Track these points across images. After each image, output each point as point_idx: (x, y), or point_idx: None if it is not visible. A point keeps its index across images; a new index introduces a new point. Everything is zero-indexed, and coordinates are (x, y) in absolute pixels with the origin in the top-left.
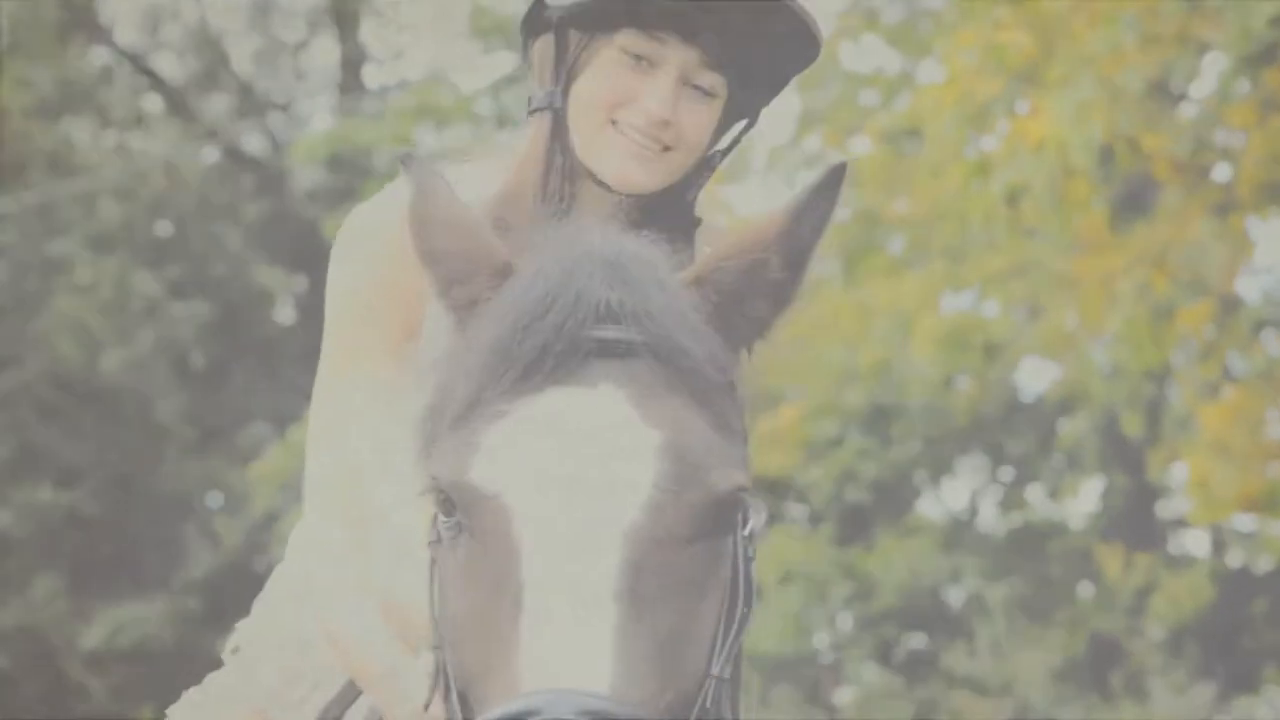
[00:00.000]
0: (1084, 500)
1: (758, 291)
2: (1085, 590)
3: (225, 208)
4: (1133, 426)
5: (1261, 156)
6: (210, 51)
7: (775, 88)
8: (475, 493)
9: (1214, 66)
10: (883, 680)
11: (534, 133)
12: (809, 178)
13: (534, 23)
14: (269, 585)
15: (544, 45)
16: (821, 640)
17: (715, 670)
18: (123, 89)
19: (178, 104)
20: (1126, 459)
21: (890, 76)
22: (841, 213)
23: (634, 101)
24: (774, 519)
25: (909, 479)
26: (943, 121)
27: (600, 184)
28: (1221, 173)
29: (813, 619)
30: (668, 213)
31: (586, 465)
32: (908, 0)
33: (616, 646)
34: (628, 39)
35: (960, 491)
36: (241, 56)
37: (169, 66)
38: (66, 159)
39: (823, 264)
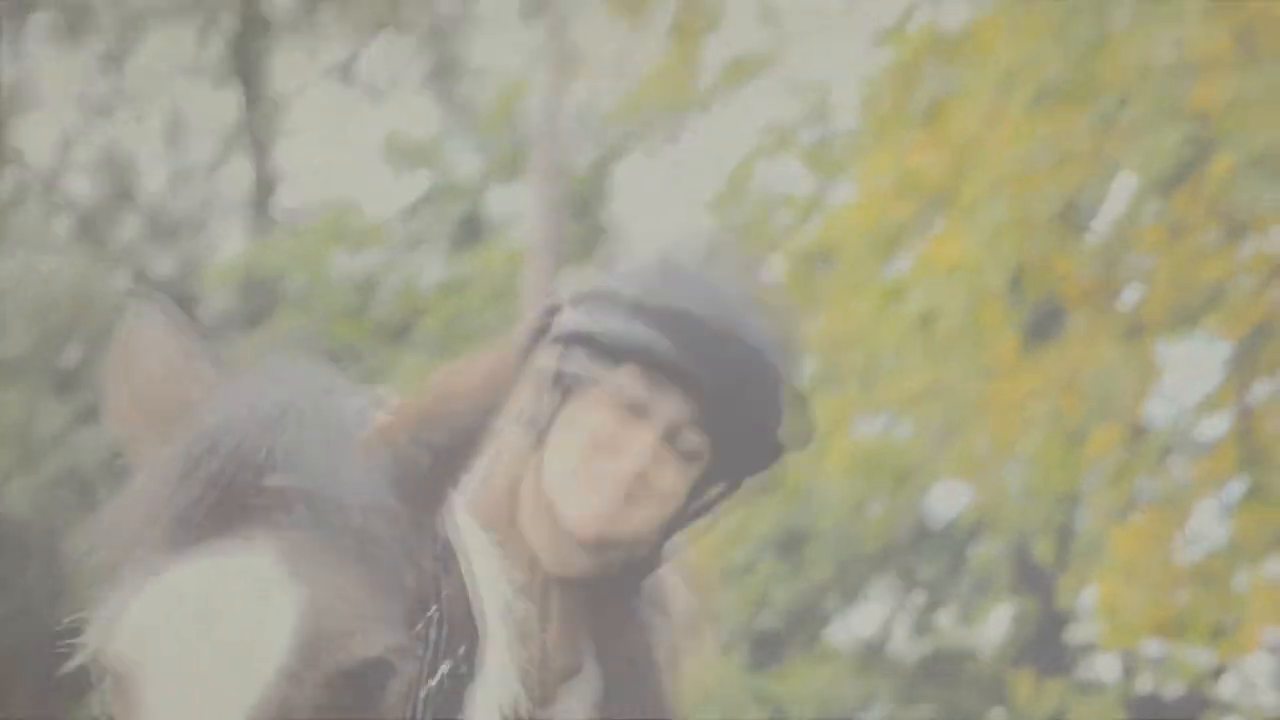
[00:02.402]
0: (995, 626)
1: (476, 430)
2: (997, 717)
3: None
4: (1044, 552)
5: (1170, 280)
6: (122, 173)
7: (762, 464)
8: (117, 657)
9: (1123, 189)
10: None
11: (517, 446)
12: None
13: (545, 330)
14: None
15: (547, 356)
16: None
17: None
18: (33, 211)
19: (88, 226)
20: (1037, 584)
21: (804, 197)
22: None
23: (614, 450)
24: None
25: (820, 604)
26: (856, 244)
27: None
28: (1130, 296)
29: None
30: (628, 576)
31: (225, 633)
32: (822, 121)
33: None
34: (628, 377)
35: (872, 616)
36: (154, 177)
37: (80, 188)
38: None
39: None
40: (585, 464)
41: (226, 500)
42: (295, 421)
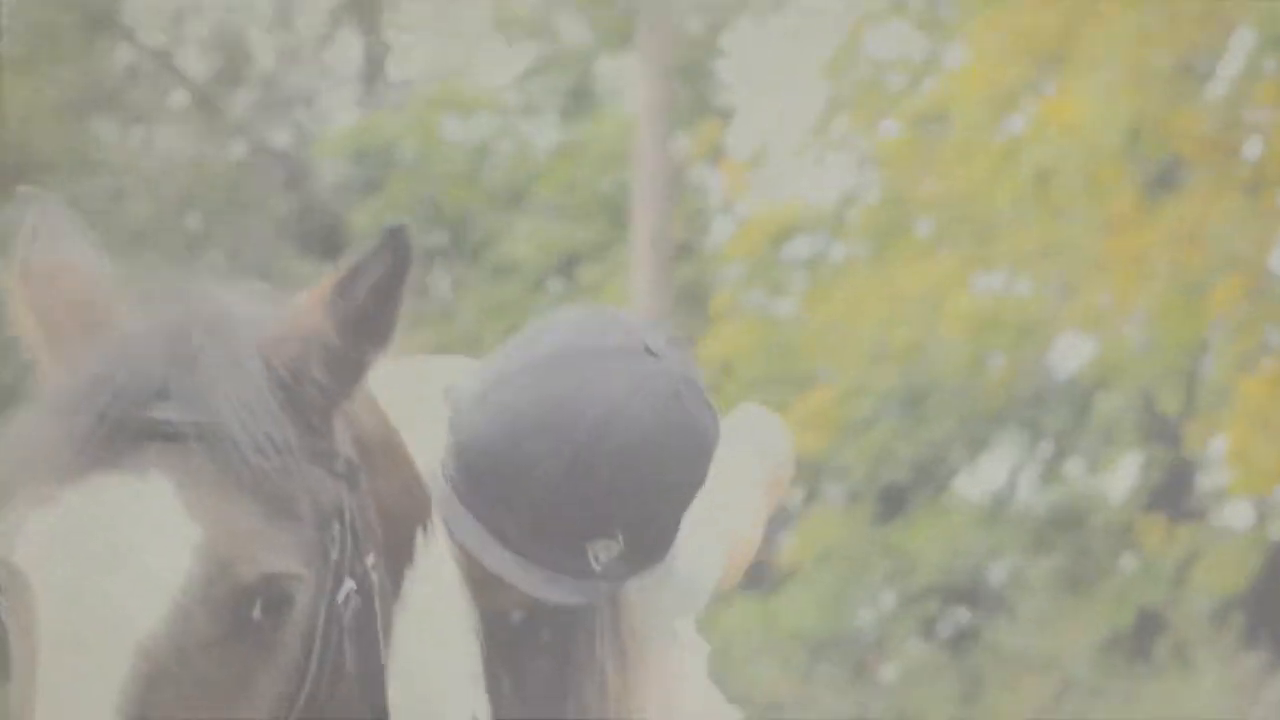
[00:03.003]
0: (1123, 474)
1: (317, 360)
2: (1127, 563)
3: (253, 202)
4: (1170, 403)
5: None
6: (233, 48)
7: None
8: (14, 579)
9: (1241, 45)
10: (927, 656)
11: None
12: (837, 160)
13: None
14: None
15: None
16: (863, 618)
17: None
18: (148, 86)
19: (203, 100)
20: (1164, 433)
21: (916, 61)
22: (870, 195)
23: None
24: (811, 498)
25: (945, 457)
26: (970, 105)
27: None
28: (1251, 150)
29: (853, 597)
30: None
31: (117, 565)
32: None
33: None
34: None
35: (998, 468)
36: (265, 52)
37: (193, 63)
38: (93, 157)
39: (852, 245)
40: None
41: (120, 432)
42: (189, 351)
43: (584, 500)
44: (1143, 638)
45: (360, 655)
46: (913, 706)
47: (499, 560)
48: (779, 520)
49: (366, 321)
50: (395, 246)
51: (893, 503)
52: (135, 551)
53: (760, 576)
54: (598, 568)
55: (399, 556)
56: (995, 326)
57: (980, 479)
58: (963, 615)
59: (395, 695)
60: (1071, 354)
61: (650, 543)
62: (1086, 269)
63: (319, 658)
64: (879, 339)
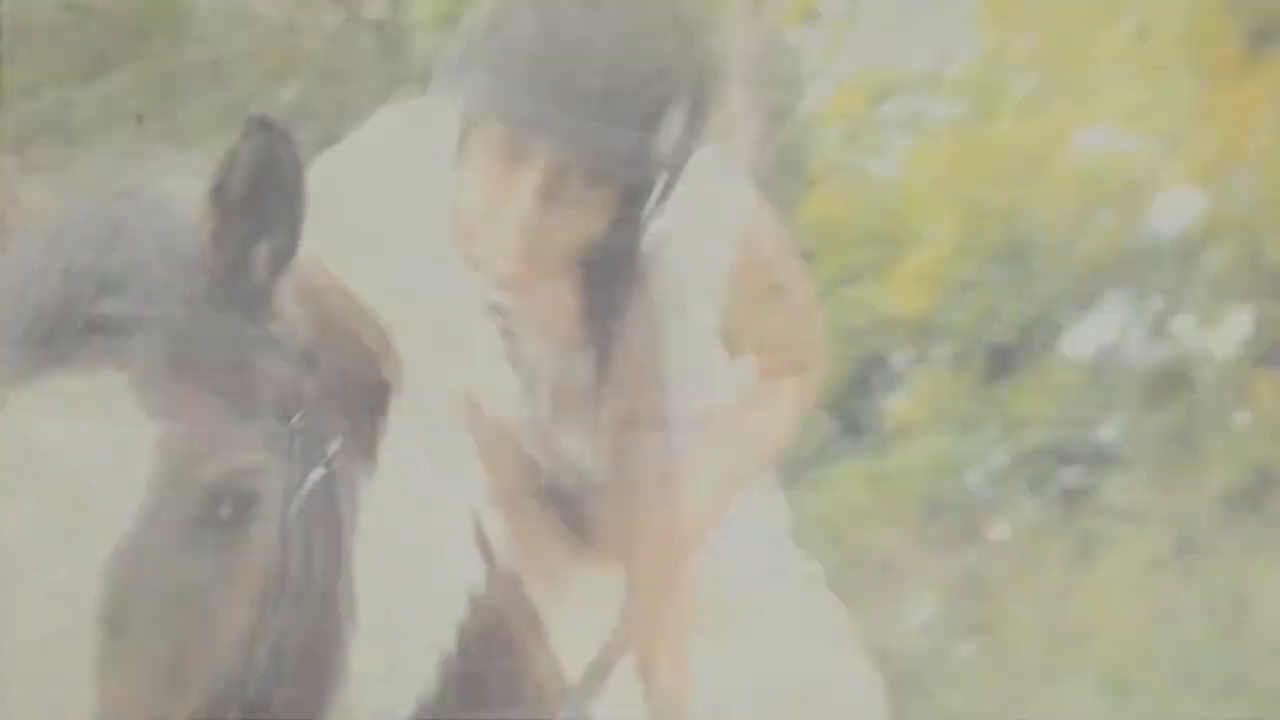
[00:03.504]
0: (1234, 329)
1: (221, 257)
2: (1241, 419)
3: (348, 73)
4: (1279, 256)
5: None
6: None
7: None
8: None
9: None
10: (1040, 514)
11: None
12: (935, 17)
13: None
14: None
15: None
16: (973, 478)
17: (258, 658)
18: None
19: None
20: (1274, 288)
21: None
22: (968, 52)
23: (497, 209)
24: (918, 360)
25: (1052, 315)
26: None
27: None
28: None
29: (963, 457)
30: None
31: (77, 468)
32: None
33: (101, 677)
34: (497, 130)
35: (1107, 325)
36: None
37: None
38: (188, 29)
39: (951, 105)
40: (482, 208)
41: (60, 330)
42: (126, 242)
43: (646, 62)
44: (1259, 493)
45: (329, 545)
46: (1025, 565)
47: (581, 131)
48: (885, 381)
49: (248, 215)
50: (256, 136)
51: (1000, 362)
52: (92, 459)
53: (869, 437)
54: (667, 144)
55: (370, 425)
56: (1100, 183)
57: (1087, 337)
58: (1075, 474)
59: (375, 560)
60: (1179, 209)
61: (702, 112)
62: (1190, 122)
63: (294, 552)
64: (981, 199)
